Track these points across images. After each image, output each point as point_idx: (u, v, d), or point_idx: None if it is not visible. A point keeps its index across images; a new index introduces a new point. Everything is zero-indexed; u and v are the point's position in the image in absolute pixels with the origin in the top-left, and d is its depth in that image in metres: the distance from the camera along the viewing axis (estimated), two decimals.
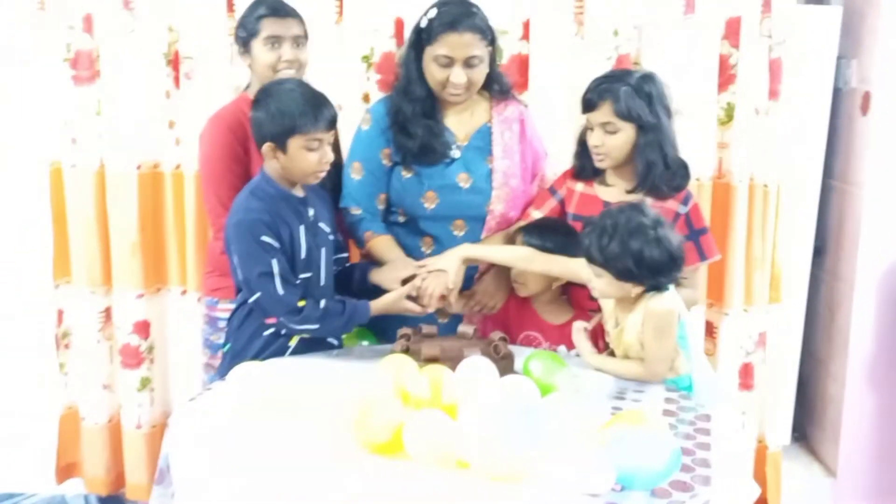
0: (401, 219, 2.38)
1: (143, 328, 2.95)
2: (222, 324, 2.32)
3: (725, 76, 2.77)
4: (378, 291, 2.22)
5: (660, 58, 2.72)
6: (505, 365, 1.95)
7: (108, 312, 2.96)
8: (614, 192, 2.27)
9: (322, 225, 2.18)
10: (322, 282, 2.16)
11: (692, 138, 2.72)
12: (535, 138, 2.45)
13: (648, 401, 1.96)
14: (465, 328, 2.11)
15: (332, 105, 2.06)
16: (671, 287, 2.02)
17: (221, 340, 2.30)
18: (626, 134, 2.17)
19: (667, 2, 2.73)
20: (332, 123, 2.05)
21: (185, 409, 1.90)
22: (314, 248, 2.13)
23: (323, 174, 2.08)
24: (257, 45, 2.26)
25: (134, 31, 2.75)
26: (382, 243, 2.32)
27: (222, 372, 2.16)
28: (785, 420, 3.17)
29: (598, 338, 2.25)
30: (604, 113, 2.16)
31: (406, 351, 1.96)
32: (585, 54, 2.73)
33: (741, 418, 2.97)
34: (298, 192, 2.10)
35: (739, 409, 2.96)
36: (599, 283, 2.01)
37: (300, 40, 2.31)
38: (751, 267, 2.86)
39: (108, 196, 2.85)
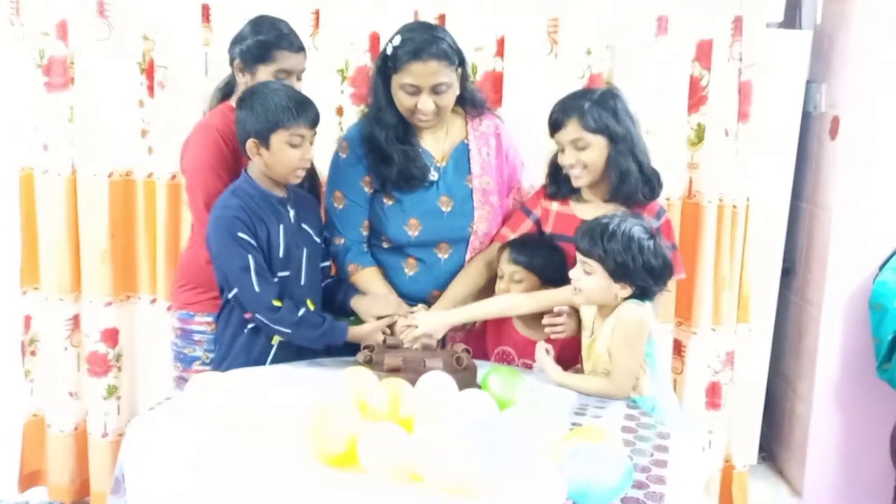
0: (384, 245, 2.37)
1: (112, 336, 2.94)
2: (198, 337, 2.32)
3: (696, 97, 2.79)
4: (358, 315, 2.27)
5: (632, 78, 2.75)
6: (466, 377, 1.95)
7: (76, 320, 2.96)
8: (591, 208, 2.25)
9: (305, 227, 2.21)
10: (302, 281, 2.18)
11: (663, 158, 2.70)
12: (512, 149, 2.44)
13: (609, 417, 1.96)
14: (426, 340, 2.12)
15: (315, 105, 2.10)
16: (649, 301, 2.04)
17: (196, 353, 2.31)
18: (597, 148, 2.17)
19: (639, 23, 2.76)
20: (315, 121, 2.09)
21: (143, 418, 1.89)
22: (293, 248, 2.15)
23: (303, 172, 2.12)
24: (265, 72, 2.24)
25: (108, 39, 2.76)
26: (367, 276, 2.32)
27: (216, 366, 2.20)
28: (752, 439, 3.17)
29: (571, 355, 2.25)
30: (571, 130, 2.17)
31: (369, 362, 1.96)
32: (559, 73, 2.76)
33: (708, 437, 2.97)
34: (279, 192, 2.14)
35: (706, 429, 2.97)
36: (587, 282, 2.01)
37: (302, 73, 2.32)
38: (719, 286, 2.87)
39: (79, 203, 2.85)
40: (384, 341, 2.11)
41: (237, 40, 2.29)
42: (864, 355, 2.98)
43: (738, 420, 3.02)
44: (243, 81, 2.26)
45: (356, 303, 2.26)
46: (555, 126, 2.20)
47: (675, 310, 2.94)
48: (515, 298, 2.24)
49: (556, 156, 2.27)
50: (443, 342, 2.18)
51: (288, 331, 2.11)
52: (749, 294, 2.93)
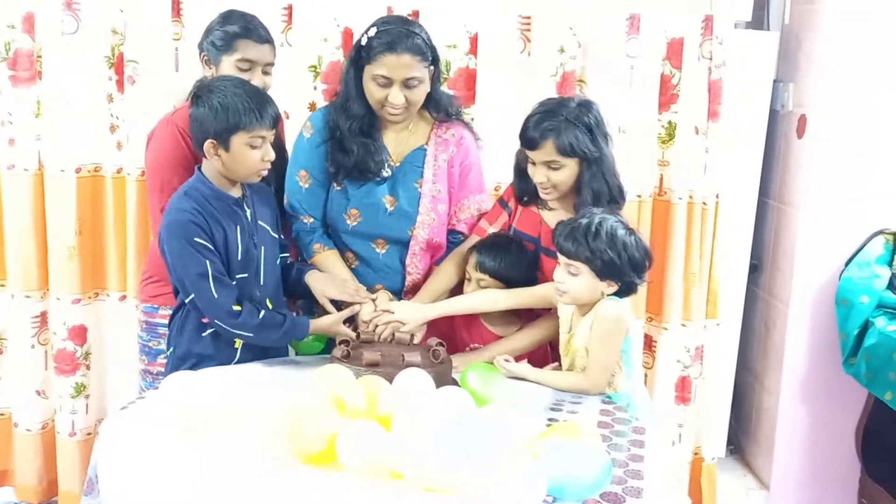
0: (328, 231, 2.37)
1: (80, 333, 2.90)
2: (162, 330, 2.29)
3: (667, 96, 2.83)
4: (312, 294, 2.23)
5: (604, 76, 2.78)
6: (443, 370, 1.96)
7: (43, 317, 2.91)
8: (555, 215, 2.25)
9: (263, 224, 2.16)
10: (262, 281, 2.14)
11: (634, 156, 2.80)
12: (475, 166, 2.40)
13: (584, 412, 1.98)
14: (401, 335, 2.12)
15: (274, 103, 2.05)
16: (628, 297, 2.06)
17: (161, 346, 2.28)
18: (569, 169, 2.15)
19: (611, 22, 2.77)
20: (275, 121, 2.04)
21: (116, 417, 1.87)
22: (252, 248, 2.10)
23: (265, 172, 2.07)
24: (228, 63, 2.21)
25: (76, 33, 2.72)
26: (331, 258, 2.31)
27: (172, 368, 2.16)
28: (720, 433, 3.21)
29: (542, 355, 2.27)
30: (547, 152, 2.12)
31: (346, 356, 1.96)
32: (531, 70, 2.77)
33: (677, 431, 3.01)
34: (235, 193, 2.08)
35: (675, 422, 3.00)
36: (573, 284, 2.01)
37: (270, 68, 2.28)
38: (689, 283, 2.91)
39: (47, 198, 2.80)
40: (357, 335, 2.11)
41: (204, 34, 2.27)
42: (830, 350, 3.01)
43: (706, 414, 3.05)
44: (209, 74, 2.22)
45: (311, 279, 2.23)
46: (529, 144, 2.16)
47: (646, 305, 2.97)
48: (493, 295, 2.24)
49: (520, 161, 2.25)
50: (411, 339, 2.17)
51: (249, 334, 2.07)
52: (718, 290, 2.96)
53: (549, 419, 1.92)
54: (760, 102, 3.03)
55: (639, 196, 2.86)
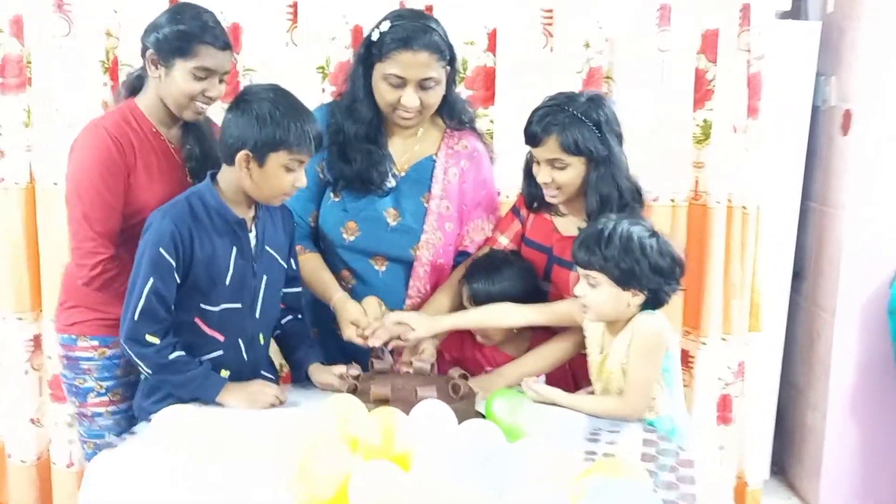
0: (321, 244, 2.18)
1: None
2: (86, 364, 2.05)
3: (702, 92, 2.67)
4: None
5: (633, 72, 2.64)
6: (465, 406, 1.76)
7: (37, 340, 2.77)
8: (567, 222, 2.11)
9: (270, 250, 1.97)
10: (257, 314, 1.96)
11: (667, 157, 2.66)
12: (488, 180, 2.24)
13: (625, 442, 1.81)
14: (420, 364, 1.94)
15: (318, 125, 1.88)
16: (662, 307, 1.91)
17: (88, 384, 2.05)
18: (575, 169, 1.99)
19: (641, 14, 2.62)
20: (319, 146, 1.87)
21: (104, 455, 1.68)
22: (248, 277, 1.92)
23: (287, 198, 1.91)
24: (183, 69, 1.96)
25: (68, 36, 2.57)
26: (314, 261, 2.13)
27: (139, 403, 1.98)
28: (764, 454, 3.03)
29: (576, 376, 2.11)
30: (550, 149, 1.97)
31: (354, 391, 1.77)
32: (555, 67, 2.62)
33: (718, 453, 2.83)
34: (241, 212, 1.90)
35: (716, 444, 2.83)
36: (594, 297, 1.86)
37: (226, 76, 2.05)
38: (729, 294, 2.74)
39: (39, 214, 2.67)
40: (371, 364, 1.91)
41: (152, 28, 2.02)
42: (880, 363, 2.86)
43: (750, 435, 2.87)
44: (156, 76, 2.00)
45: (314, 374, 2.04)
46: (531, 140, 2.01)
47: (683, 318, 2.80)
48: (508, 308, 2.05)
49: (529, 163, 2.10)
50: (432, 368, 1.97)
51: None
52: (760, 301, 2.79)
53: (587, 452, 1.73)
54: (802, 98, 2.88)
55: (672, 201, 2.70)
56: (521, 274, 2.08)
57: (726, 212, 2.69)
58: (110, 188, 1.94)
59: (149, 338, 1.83)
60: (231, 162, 1.83)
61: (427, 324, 2.03)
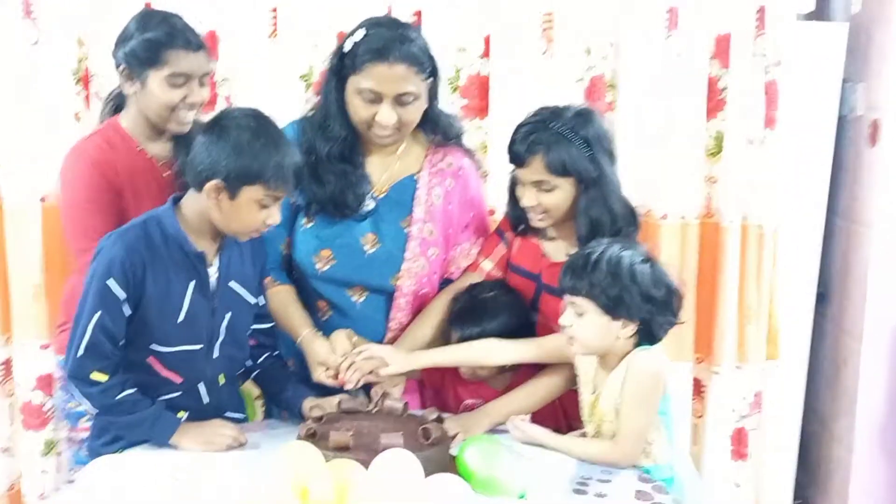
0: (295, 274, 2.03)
1: (49, 383, 2.61)
2: None
3: (714, 101, 2.54)
4: None
5: (639, 80, 2.51)
6: (436, 454, 1.60)
7: (7, 365, 2.65)
8: (557, 246, 1.97)
9: (235, 287, 1.83)
10: (215, 354, 1.81)
11: (677, 172, 2.54)
12: (476, 199, 2.09)
13: (616, 493, 1.64)
14: (393, 403, 1.77)
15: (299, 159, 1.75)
16: (658, 343, 1.76)
17: (81, 408, 1.94)
18: (563, 191, 1.85)
19: (648, 17, 2.49)
20: (298, 183, 1.75)
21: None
22: (207, 315, 1.77)
23: (257, 235, 1.77)
24: (156, 78, 1.89)
25: (37, 44, 2.46)
26: (283, 294, 1.97)
27: (91, 446, 1.84)
28: (785, 491, 2.84)
29: (567, 415, 1.95)
30: (535, 169, 1.83)
31: (312, 436, 1.60)
32: (554, 75, 2.50)
33: (734, 492, 2.67)
34: (203, 244, 1.75)
35: (731, 482, 2.67)
36: (581, 327, 1.72)
37: (206, 77, 1.97)
38: (744, 319, 2.60)
39: (7, 231, 2.56)
40: (339, 403, 1.75)
41: (120, 41, 1.93)
42: None
43: (768, 472, 2.72)
44: (132, 91, 1.92)
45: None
46: (515, 160, 1.87)
47: (695, 345, 2.65)
48: (493, 345, 1.89)
49: (515, 182, 1.95)
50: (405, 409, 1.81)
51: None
52: (778, 327, 2.64)
53: None
54: (826, 107, 2.69)
55: (682, 218, 2.56)
56: (511, 309, 1.94)
57: (741, 231, 2.57)
58: (106, 218, 1.89)
59: (95, 375, 1.69)
60: (199, 189, 1.69)
61: (403, 360, 1.88)
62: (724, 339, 2.59)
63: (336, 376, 1.83)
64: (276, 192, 1.68)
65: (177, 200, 1.76)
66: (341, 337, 1.89)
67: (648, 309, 1.69)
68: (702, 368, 2.66)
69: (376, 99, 1.84)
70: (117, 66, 1.95)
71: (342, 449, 1.54)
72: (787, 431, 2.80)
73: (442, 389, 2.05)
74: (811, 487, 3.06)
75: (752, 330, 2.59)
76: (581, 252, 1.74)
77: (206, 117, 2.11)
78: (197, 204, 1.71)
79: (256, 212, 1.69)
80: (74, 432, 2.01)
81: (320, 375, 1.85)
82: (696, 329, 2.61)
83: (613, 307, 1.68)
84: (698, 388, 2.68)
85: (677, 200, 2.54)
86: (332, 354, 1.85)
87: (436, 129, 2.01)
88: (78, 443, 2.01)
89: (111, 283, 1.66)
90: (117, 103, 2.03)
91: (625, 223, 1.87)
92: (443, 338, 1.98)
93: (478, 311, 1.92)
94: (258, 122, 1.70)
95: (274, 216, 1.72)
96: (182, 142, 1.98)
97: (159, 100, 1.90)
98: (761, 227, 2.55)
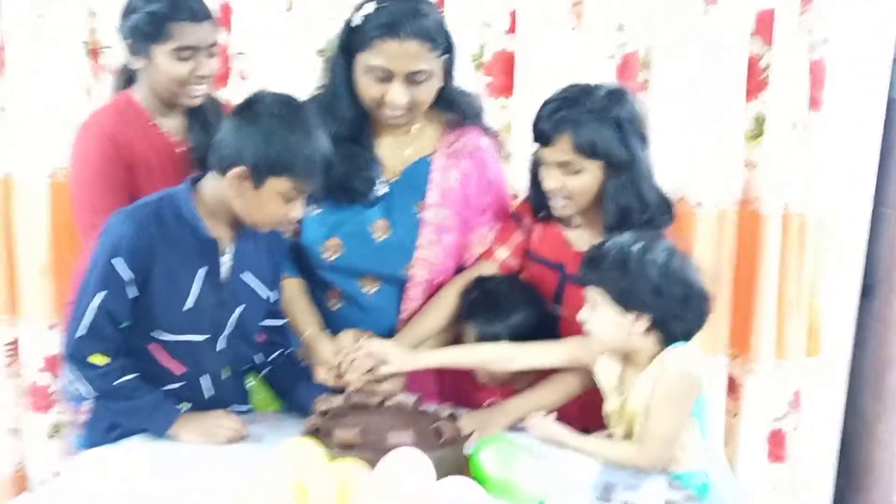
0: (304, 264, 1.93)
1: (56, 364, 2.55)
2: None
3: (755, 81, 2.41)
4: None
5: (675, 59, 2.40)
6: (449, 455, 1.48)
7: (14, 346, 2.62)
8: (581, 235, 1.85)
9: (247, 279, 1.74)
10: (218, 347, 1.73)
11: (714, 157, 2.42)
12: (494, 181, 1.97)
13: (643, 501, 1.53)
14: (404, 397, 1.68)
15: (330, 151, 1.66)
16: (683, 342, 1.62)
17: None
18: (590, 174, 1.73)
19: None
20: (325, 177, 1.66)
21: None
22: (213, 305, 1.69)
23: (277, 228, 1.70)
24: (163, 53, 1.83)
25: (46, 16, 2.42)
26: (290, 288, 1.87)
27: (89, 432, 1.77)
28: (824, 496, 2.70)
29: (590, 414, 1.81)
30: (561, 149, 1.72)
31: (316, 432, 1.50)
32: (584, 53, 2.39)
33: (770, 496, 2.56)
34: (217, 231, 1.66)
35: (768, 485, 2.55)
36: (595, 320, 1.62)
37: (215, 48, 1.90)
38: (783, 312, 2.48)
39: (15, 210, 2.53)
40: (347, 397, 1.65)
41: (126, 14, 1.87)
42: None
43: (807, 473, 2.59)
44: (139, 66, 1.87)
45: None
46: (540, 138, 1.75)
47: (730, 339, 2.53)
48: (507, 351, 1.78)
49: (537, 163, 1.84)
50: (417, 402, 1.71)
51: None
52: (820, 321, 2.52)
53: None
54: (875, 87, 2.52)
55: (719, 207, 2.45)
56: (532, 304, 1.83)
57: (782, 220, 2.44)
58: (112, 190, 1.85)
59: (94, 358, 1.62)
60: (222, 173, 1.60)
61: (406, 358, 1.77)
62: (761, 333, 2.47)
63: (340, 377, 1.75)
64: (303, 186, 1.60)
65: (195, 182, 1.68)
66: (348, 338, 1.80)
67: (661, 304, 1.58)
68: (737, 365, 2.55)
69: (387, 77, 1.74)
70: (123, 41, 1.90)
71: (347, 447, 1.44)
72: (827, 433, 2.66)
73: (458, 383, 1.94)
74: (851, 492, 2.91)
75: (792, 324, 2.47)
76: (598, 243, 1.64)
77: (218, 91, 2.08)
78: (217, 188, 1.63)
79: (280, 204, 1.61)
80: (78, 415, 1.94)
81: (323, 376, 1.77)
82: (732, 323, 2.50)
83: (623, 299, 1.58)
84: (733, 386, 2.56)
85: (714, 187, 2.43)
86: (335, 355, 1.76)
87: (452, 108, 1.90)
88: (80, 426, 1.94)
89: (117, 262, 1.58)
90: (129, 75, 1.97)
91: (657, 212, 1.75)
92: (450, 332, 1.88)
93: (491, 307, 1.81)
94: (292, 111, 1.61)
95: (297, 210, 1.64)
96: (195, 117, 1.94)
97: (167, 74, 1.85)
98: (803, 216, 2.44)
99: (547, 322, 1.84)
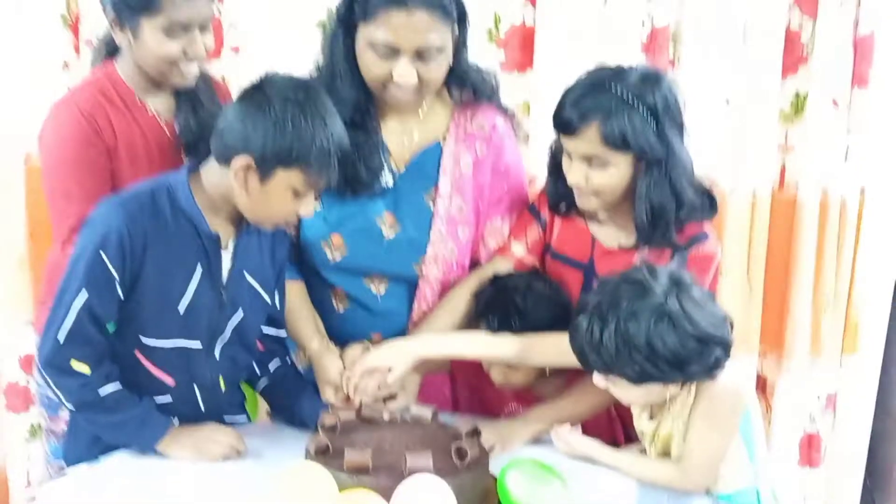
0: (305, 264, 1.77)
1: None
2: None
3: (794, 56, 2.28)
4: None
5: (707, 31, 2.27)
6: (473, 479, 1.32)
7: None
8: (608, 232, 1.68)
9: (250, 279, 1.57)
10: (216, 354, 1.56)
11: (747, 138, 2.30)
12: (513, 165, 1.81)
13: None
14: (421, 410, 1.51)
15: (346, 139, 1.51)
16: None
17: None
18: (619, 169, 1.56)
19: None
20: (338, 166, 1.50)
21: None
22: (214, 308, 1.53)
23: (284, 225, 1.56)
24: (151, 27, 1.65)
25: None
26: (291, 294, 1.70)
27: (69, 445, 1.61)
28: (852, 499, 2.57)
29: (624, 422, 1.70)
30: (588, 141, 1.54)
31: (325, 452, 1.33)
32: (609, 26, 2.26)
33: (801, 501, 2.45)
34: (217, 225, 1.50)
35: (799, 491, 2.44)
36: (615, 390, 1.46)
37: (209, 24, 1.72)
38: (819, 307, 2.37)
39: None
40: (358, 411, 1.48)
41: None
42: None
43: (840, 481, 2.48)
44: (122, 40, 1.68)
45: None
46: (564, 127, 1.57)
47: (761, 335, 2.41)
48: (523, 341, 1.62)
49: (556, 153, 1.67)
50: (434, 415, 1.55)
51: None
52: (858, 316, 2.39)
53: None
54: None
55: (753, 193, 2.32)
56: (554, 306, 1.65)
57: (820, 207, 2.33)
58: (91, 170, 1.69)
59: (75, 365, 1.45)
60: (225, 164, 1.43)
61: (401, 355, 1.60)
62: (795, 330, 2.36)
63: (348, 398, 1.59)
64: (316, 180, 1.44)
65: (192, 170, 1.51)
66: (356, 352, 1.63)
67: (681, 370, 1.39)
68: (769, 363, 2.43)
69: (392, 53, 1.56)
70: (105, 11, 1.71)
71: (359, 471, 1.27)
72: (859, 435, 2.53)
73: (479, 387, 1.78)
74: (878, 492, 2.78)
75: (830, 320, 2.36)
76: (588, 307, 1.42)
77: (209, 66, 1.90)
78: (219, 179, 1.46)
79: (289, 200, 1.45)
80: (53, 422, 1.81)
81: (330, 396, 1.62)
82: (764, 317, 2.37)
83: (643, 379, 1.41)
84: (763, 386, 2.45)
85: (747, 172, 2.30)
86: (343, 374, 1.61)
87: (464, 86, 1.73)
88: (55, 435, 1.81)
89: (105, 259, 1.42)
90: (112, 48, 1.78)
91: (699, 207, 1.59)
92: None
93: (507, 306, 1.65)
94: (307, 96, 1.44)
95: (307, 207, 1.48)
96: (185, 96, 1.76)
97: (155, 52, 1.66)
98: (844, 203, 2.32)
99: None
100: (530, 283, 1.68)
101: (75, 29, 2.30)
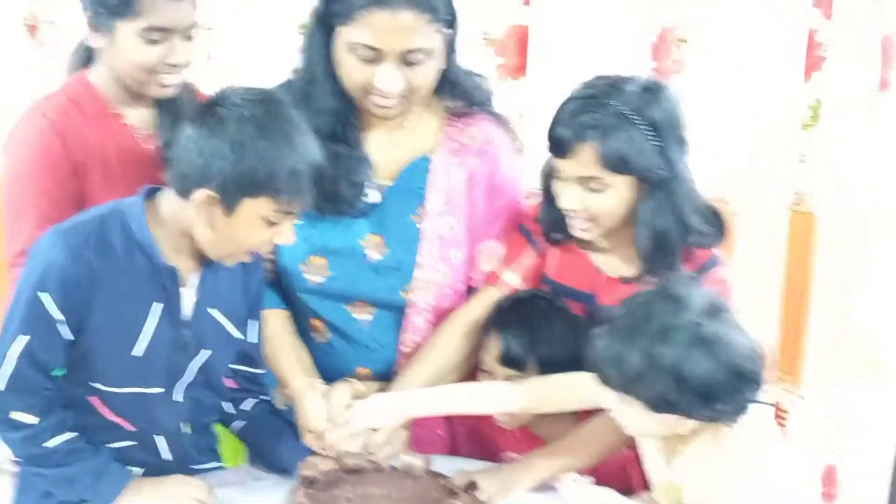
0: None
1: None
2: None
3: (812, 60, 2.25)
4: None
5: (718, 33, 2.27)
6: None
7: None
8: (609, 260, 1.57)
9: (216, 315, 1.45)
10: (179, 397, 1.43)
11: (762, 149, 2.30)
12: (508, 179, 1.71)
13: None
14: (411, 460, 1.40)
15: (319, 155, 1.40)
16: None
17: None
18: (618, 193, 1.46)
19: None
20: (313, 190, 1.38)
21: None
22: (171, 348, 1.40)
23: (252, 258, 1.44)
24: (127, 31, 1.55)
25: None
26: (271, 324, 1.59)
27: (20, 498, 1.48)
28: None
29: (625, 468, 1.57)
30: (583, 162, 1.45)
31: None
32: (613, 27, 2.26)
33: None
34: (176, 259, 1.37)
35: None
36: (627, 414, 1.34)
37: (193, 30, 1.63)
38: (839, 330, 2.33)
39: None
40: (339, 460, 1.38)
41: None
42: None
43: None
44: (99, 45, 1.59)
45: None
46: (557, 148, 1.47)
47: (778, 362, 2.35)
48: (507, 392, 1.51)
49: (548, 176, 1.56)
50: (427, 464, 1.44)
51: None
52: (881, 340, 2.33)
53: None
54: None
55: (767, 208, 2.32)
56: (573, 331, 1.54)
57: (839, 222, 2.29)
58: (47, 194, 1.60)
59: (18, 416, 1.32)
60: (184, 197, 1.31)
61: (389, 414, 1.48)
62: (813, 355, 2.32)
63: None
64: (289, 207, 1.31)
65: (149, 194, 1.37)
66: (342, 394, 1.50)
67: (706, 403, 1.28)
68: (784, 390, 2.35)
69: (375, 57, 1.46)
70: (83, 12, 1.62)
71: None
72: (880, 464, 2.38)
73: (477, 428, 1.66)
74: None
75: (848, 345, 2.30)
76: (613, 320, 1.32)
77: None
78: (178, 209, 1.33)
79: (261, 230, 1.32)
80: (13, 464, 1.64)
81: (311, 443, 1.49)
82: (781, 343, 2.32)
83: (661, 406, 1.30)
84: (779, 415, 2.35)
85: (761, 185, 2.29)
86: (327, 421, 1.48)
87: (455, 93, 1.62)
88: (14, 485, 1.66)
89: (45, 298, 1.29)
90: (88, 54, 1.70)
91: (703, 236, 1.50)
92: (463, 369, 1.61)
93: (526, 315, 1.55)
94: (266, 111, 1.31)
95: (285, 235, 1.35)
96: (165, 107, 1.65)
97: (132, 60, 1.56)
98: (865, 218, 2.28)
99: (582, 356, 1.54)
100: (549, 301, 1.57)
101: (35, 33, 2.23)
